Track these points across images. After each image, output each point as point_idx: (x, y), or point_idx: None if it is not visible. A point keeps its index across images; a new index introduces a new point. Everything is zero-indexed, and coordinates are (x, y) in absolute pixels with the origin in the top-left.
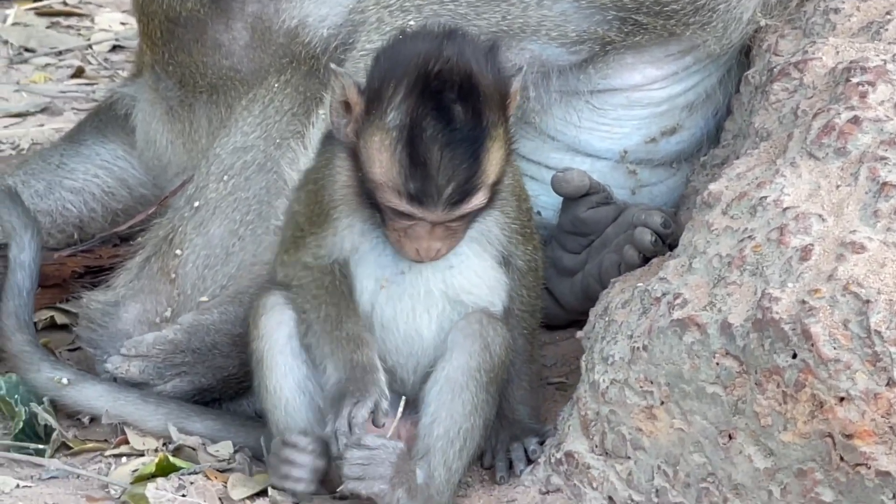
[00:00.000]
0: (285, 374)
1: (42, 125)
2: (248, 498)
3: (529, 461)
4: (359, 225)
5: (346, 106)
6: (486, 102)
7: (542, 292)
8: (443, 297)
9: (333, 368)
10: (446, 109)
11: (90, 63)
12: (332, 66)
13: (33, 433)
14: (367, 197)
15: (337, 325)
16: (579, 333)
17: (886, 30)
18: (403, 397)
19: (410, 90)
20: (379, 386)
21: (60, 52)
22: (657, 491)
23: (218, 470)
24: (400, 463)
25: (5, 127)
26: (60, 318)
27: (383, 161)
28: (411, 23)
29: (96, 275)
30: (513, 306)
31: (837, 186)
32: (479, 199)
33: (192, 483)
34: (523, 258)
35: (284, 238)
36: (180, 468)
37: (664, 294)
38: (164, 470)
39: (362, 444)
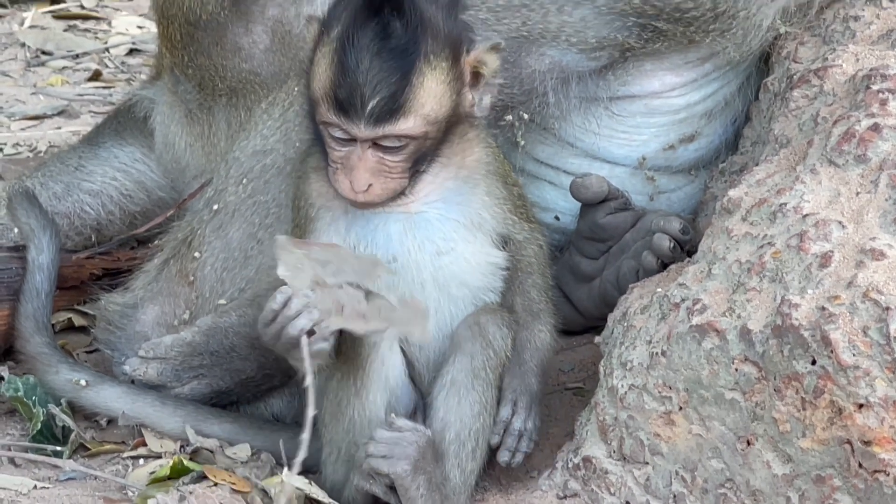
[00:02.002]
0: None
1: (59, 128)
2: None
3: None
4: (342, 217)
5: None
6: (428, 31)
7: (548, 262)
8: (434, 285)
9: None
10: (383, 23)
11: (107, 66)
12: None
13: (51, 434)
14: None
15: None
16: (597, 338)
17: None
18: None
19: (352, 3)
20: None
21: (77, 56)
22: (675, 496)
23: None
24: (426, 450)
25: (22, 129)
26: (78, 320)
27: (321, 73)
28: None
29: (114, 277)
30: (517, 266)
31: (857, 193)
32: (408, 125)
33: (191, 492)
34: (520, 235)
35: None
36: (193, 471)
37: (683, 300)
38: (179, 473)
39: (393, 425)
